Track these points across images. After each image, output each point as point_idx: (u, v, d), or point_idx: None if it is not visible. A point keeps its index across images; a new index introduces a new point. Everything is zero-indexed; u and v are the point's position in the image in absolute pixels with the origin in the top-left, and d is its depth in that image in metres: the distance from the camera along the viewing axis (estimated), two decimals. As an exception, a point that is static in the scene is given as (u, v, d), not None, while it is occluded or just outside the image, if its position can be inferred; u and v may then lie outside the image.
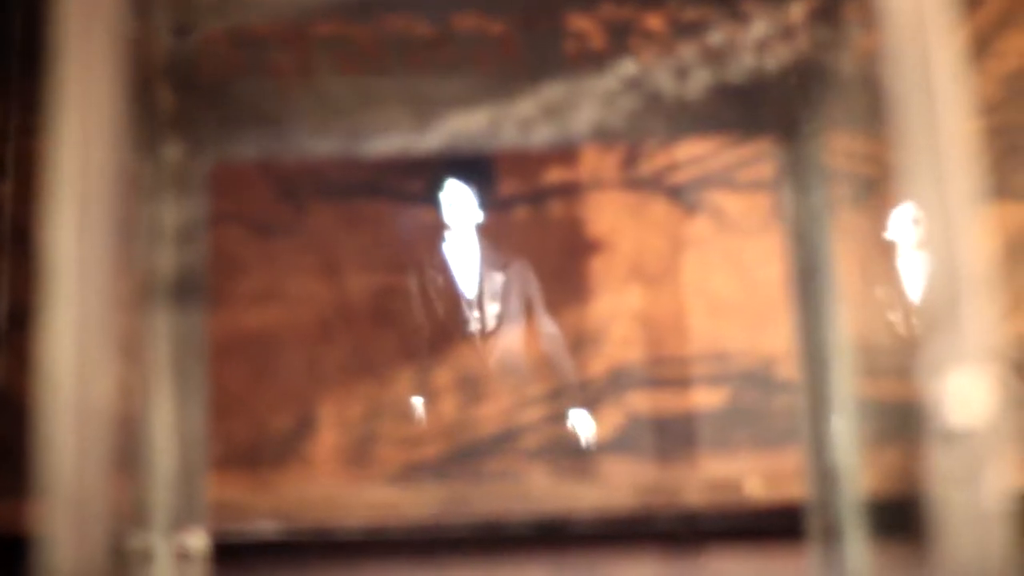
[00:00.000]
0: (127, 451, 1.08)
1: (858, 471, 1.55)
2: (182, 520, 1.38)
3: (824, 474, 1.63)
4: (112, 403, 0.87)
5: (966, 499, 0.82)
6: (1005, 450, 0.81)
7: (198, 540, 1.41)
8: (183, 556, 1.37)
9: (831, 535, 1.54)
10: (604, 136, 1.78)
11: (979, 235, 0.91)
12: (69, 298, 0.88)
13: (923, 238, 0.90)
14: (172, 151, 1.57)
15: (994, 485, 0.82)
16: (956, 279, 0.88)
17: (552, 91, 1.72)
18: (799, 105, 1.74)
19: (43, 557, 0.85)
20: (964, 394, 0.84)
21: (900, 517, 2.77)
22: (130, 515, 1.14)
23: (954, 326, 0.85)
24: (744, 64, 1.73)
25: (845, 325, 1.70)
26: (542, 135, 1.79)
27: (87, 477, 0.85)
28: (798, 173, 1.78)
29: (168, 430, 1.40)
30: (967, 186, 0.92)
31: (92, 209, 0.91)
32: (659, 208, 3.05)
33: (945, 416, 0.83)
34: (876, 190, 2.83)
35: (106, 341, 0.88)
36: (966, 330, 0.85)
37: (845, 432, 1.64)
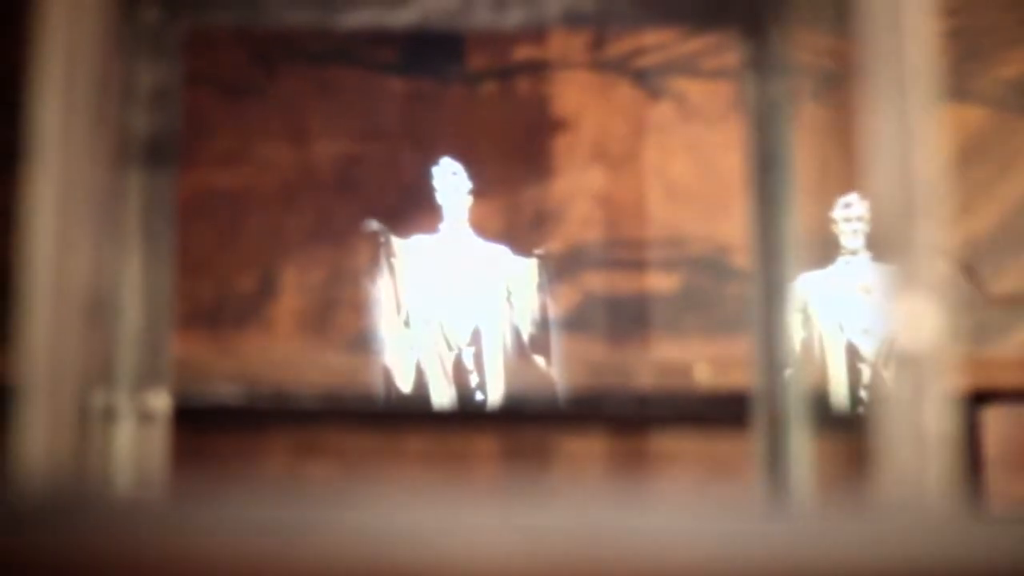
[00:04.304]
0: (95, 310, 1.08)
1: (805, 364, 1.56)
2: (146, 380, 1.39)
3: (771, 365, 1.64)
4: (90, 271, 0.87)
5: (910, 420, 0.82)
6: (951, 373, 0.82)
7: (161, 400, 1.42)
8: (146, 415, 1.38)
9: (775, 425, 1.55)
10: (574, 20, 1.77)
11: (936, 138, 0.91)
12: (52, 165, 0.87)
13: (880, 139, 0.90)
14: (148, 14, 1.54)
15: (938, 408, 0.82)
16: (912, 185, 0.88)
17: (527, -25, 1.70)
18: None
19: (17, 411, 0.86)
20: (914, 317, 0.84)
21: (843, 413, 2.81)
22: (95, 374, 1.14)
23: (907, 242, 0.85)
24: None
25: (800, 218, 1.70)
26: (514, 16, 1.77)
27: (63, 343, 0.85)
28: (761, 64, 1.77)
29: (135, 290, 1.40)
30: (927, 87, 0.91)
31: (79, 75, 0.90)
32: (624, 91, 3.04)
33: (895, 336, 0.83)
34: (840, 85, 2.83)
35: (88, 209, 0.87)
36: (919, 247, 0.85)
37: (793, 324, 1.65)
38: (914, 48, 0.90)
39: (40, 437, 0.82)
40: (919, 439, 0.81)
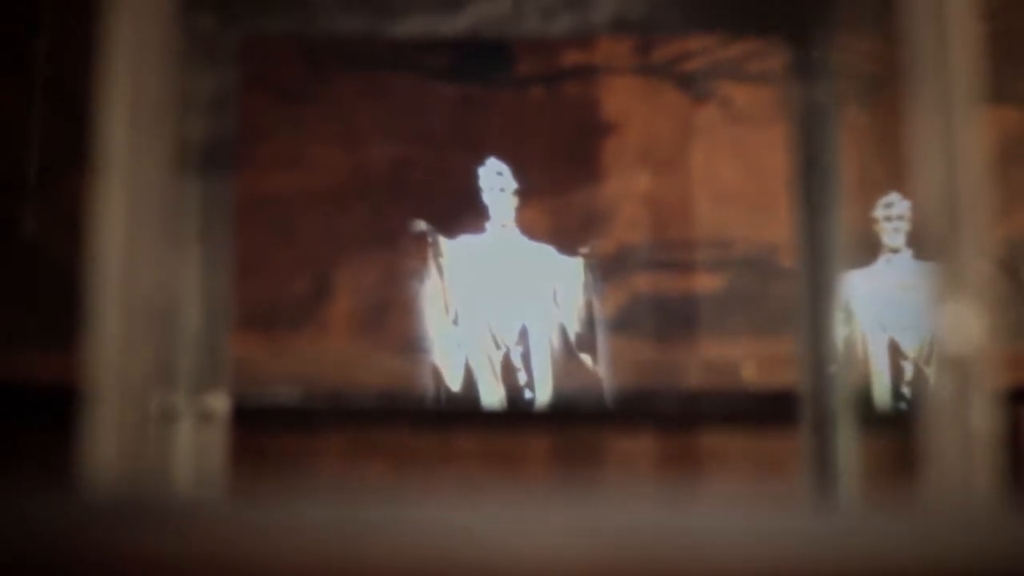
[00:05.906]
0: (157, 313, 1.08)
1: (852, 363, 1.54)
2: (205, 381, 1.38)
3: (818, 363, 1.62)
4: (156, 277, 0.87)
5: (957, 420, 0.81)
6: (996, 374, 0.80)
7: (220, 401, 1.41)
8: (206, 417, 1.38)
9: (822, 424, 1.54)
10: (621, 28, 1.76)
11: (979, 139, 0.89)
12: (119, 180, 0.87)
13: (925, 143, 0.89)
14: (204, 22, 1.55)
15: (984, 408, 0.81)
16: (957, 189, 0.87)
17: (576, -18, 1.70)
18: (809, 4, 1.71)
19: (87, 416, 0.85)
20: (959, 322, 0.83)
21: (886, 411, 2.78)
22: (157, 375, 1.14)
23: (953, 245, 0.84)
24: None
25: (845, 219, 1.69)
26: (562, 24, 1.77)
27: (131, 348, 0.85)
28: (805, 69, 1.75)
29: (194, 293, 1.40)
30: (971, 90, 0.90)
31: (144, 84, 0.90)
32: (669, 95, 3.03)
33: (940, 340, 0.82)
34: (881, 87, 2.81)
35: (154, 217, 0.87)
36: (964, 250, 0.84)
37: (840, 324, 1.63)
38: (958, 52, 0.89)
39: (109, 440, 0.82)
40: (966, 439, 0.80)
